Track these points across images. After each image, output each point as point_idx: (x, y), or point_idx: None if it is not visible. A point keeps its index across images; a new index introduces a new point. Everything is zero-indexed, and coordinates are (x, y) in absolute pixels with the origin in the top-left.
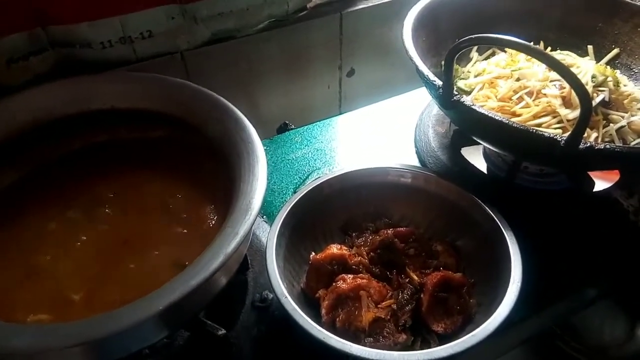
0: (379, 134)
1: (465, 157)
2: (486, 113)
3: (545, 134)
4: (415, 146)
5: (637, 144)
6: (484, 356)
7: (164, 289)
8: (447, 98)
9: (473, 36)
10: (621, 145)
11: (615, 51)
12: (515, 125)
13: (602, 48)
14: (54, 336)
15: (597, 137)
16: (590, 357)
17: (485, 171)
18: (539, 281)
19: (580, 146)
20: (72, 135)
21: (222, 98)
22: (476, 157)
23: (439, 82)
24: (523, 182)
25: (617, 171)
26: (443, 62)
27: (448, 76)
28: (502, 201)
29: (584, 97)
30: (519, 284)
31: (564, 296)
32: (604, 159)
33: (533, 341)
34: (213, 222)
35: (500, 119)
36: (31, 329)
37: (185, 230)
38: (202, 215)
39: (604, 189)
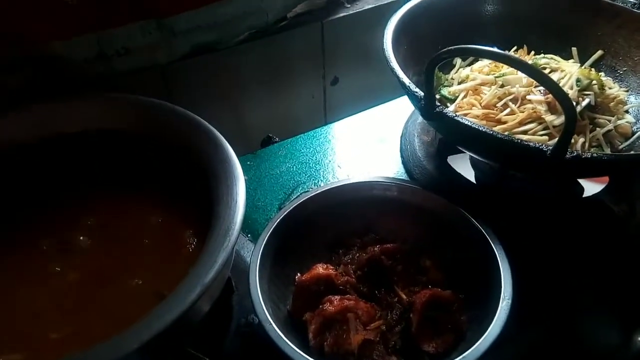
0: (364, 145)
1: (452, 165)
2: (470, 124)
3: (531, 144)
4: (402, 156)
5: (625, 147)
6: None
7: (140, 324)
8: (430, 109)
9: (452, 48)
10: (608, 152)
11: (600, 53)
12: (500, 135)
13: (586, 50)
14: None
15: (584, 142)
16: None
17: (473, 179)
18: (530, 293)
19: (567, 156)
20: (43, 162)
21: (199, 118)
22: (464, 165)
23: (420, 93)
24: (512, 188)
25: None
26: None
27: (429, 88)
28: (490, 209)
29: (568, 107)
30: (510, 301)
31: (558, 307)
32: (591, 167)
33: None
34: (193, 246)
35: (484, 130)
36: None
37: (164, 257)
38: (182, 239)
39: (593, 195)
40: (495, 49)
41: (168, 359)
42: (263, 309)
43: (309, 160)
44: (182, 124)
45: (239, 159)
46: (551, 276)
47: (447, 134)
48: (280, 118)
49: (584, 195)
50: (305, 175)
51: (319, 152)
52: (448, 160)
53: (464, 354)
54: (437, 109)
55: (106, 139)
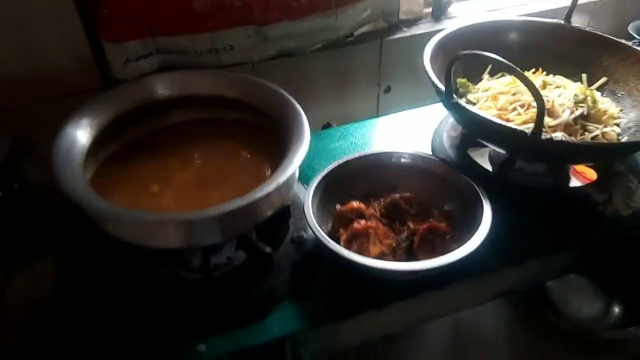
0: (403, 135)
1: (472, 156)
2: (475, 111)
3: (517, 127)
4: (431, 146)
5: None
6: (471, 298)
7: (229, 202)
8: (448, 100)
9: (464, 52)
10: (573, 138)
11: (604, 79)
12: (494, 120)
13: (593, 76)
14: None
15: None
16: (570, 326)
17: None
18: (514, 242)
19: (542, 137)
20: (171, 113)
21: (284, 91)
22: (483, 160)
23: (442, 87)
24: (518, 180)
25: (593, 172)
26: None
27: (448, 82)
28: (495, 190)
29: (539, 98)
30: (488, 228)
31: (535, 256)
32: (563, 150)
33: (520, 310)
34: (269, 173)
35: (485, 116)
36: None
37: (249, 178)
38: (262, 170)
39: (580, 186)
40: (496, 56)
41: (245, 247)
42: (314, 223)
43: (357, 141)
44: (272, 95)
45: None
46: (534, 236)
47: (461, 120)
48: (340, 114)
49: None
50: (354, 151)
51: (366, 136)
52: (468, 151)
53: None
54: (453, 100)
55: (217, 102)
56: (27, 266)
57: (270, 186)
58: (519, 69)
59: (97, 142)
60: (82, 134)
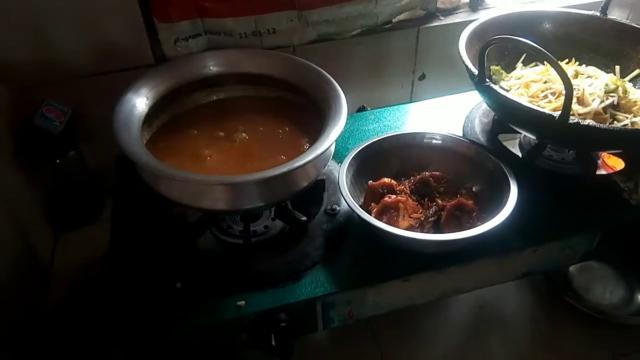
0: (436, 119)
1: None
2: (504, 94)
3: (544, 111)
4: (463, 130)
5: None
6: (494, 275)
7: (272, 169)
8: (481, 82)
9: (497, 37)
10: (601, 124)
11: (637, 71)
12: (522, 104)
13: (627, 69)
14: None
15: None
16: (592, 311)
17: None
18: (538, 224)
19: (570, 121)
20: (217, 89)
21: (323, 70)
22: (513, 147)
23: (475, 71)
24: (547, 166)
25: (622, 162)
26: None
27: (481, 65)
28: (523, 174)
29: (566, 81)
30: (513, 206)
31: (557, 238)
32: (589, 134)
33: (542, 293)
34: (307, 147)
35: (513, 99)
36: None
37: (289, 151)
38: (300, 144)
39: (607, 174)
40: (528, 41)
41: (282, 215)
42: (347, 193)
43: (391, 124)
44: (312, 74)
45: None
46: (558, 220)
47: (492, 104)
48: (374, 98)
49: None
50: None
51: (399, 119)
52: (498, 137)
53: (468, 230)
54: (486, 83)
55: (260, 80)
56: (75, 231)
57: (307, 157)
58: (551, 56)
59: (153, 112)
60: (140, 102)
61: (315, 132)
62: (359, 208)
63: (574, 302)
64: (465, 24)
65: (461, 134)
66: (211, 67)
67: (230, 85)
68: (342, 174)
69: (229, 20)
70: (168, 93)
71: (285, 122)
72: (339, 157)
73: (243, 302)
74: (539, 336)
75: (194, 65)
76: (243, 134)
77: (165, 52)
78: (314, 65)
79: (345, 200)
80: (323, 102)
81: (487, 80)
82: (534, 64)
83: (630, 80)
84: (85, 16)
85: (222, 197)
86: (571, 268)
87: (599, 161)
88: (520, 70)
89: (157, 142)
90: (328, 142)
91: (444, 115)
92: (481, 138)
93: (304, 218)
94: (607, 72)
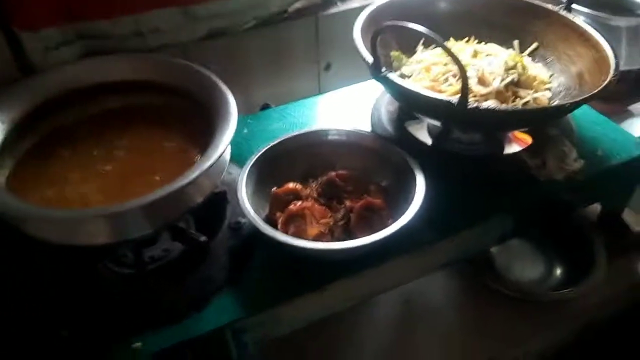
0: (344, 112)
1: (411, 131)
2: (400, 83)
3: (443, 97)
4: (371, 121)
5: None
6: (411, 272)
7: (157, 191)
8: (377, 72)
9: (388, 23)
10: (499, 105)
11: (535, 45)
12: (422, 92)
13: (525, 43)
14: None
15: None
16: (514, 291)
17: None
18: (449, 213)
19: (469, 106)
20: (93, 102)
21: (209, 72)
22: (421, 132)
23: (370, 59)
24: (455, 149)
25: (530, 137)
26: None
27: (374, 54)
28: (431, 161)
29: (460, 65)
30: (421, 200)
31: (469, 226)
32: (490, 117)
33: (466, 279)
34: (198, 158)
35: (409, 88)
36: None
37: (178, 165)
38: (191, 156)
39: (514, 152)
40: (419, 26)
41: (178, 237)
42: (248, 209)
43: (297, 121)
44: (197, 77)
45: (240, 118)
46: (468, 204)
47: (392, 93)
48: (279, 94)
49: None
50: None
51: (306, 115)
52: (407, 125)
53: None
54: (382, 74)
55: (140, 87)
56: None
57: (195, 172)
58: (442, 38)
59: (12, 138)
60: None
61: (205, 140)
62: (261, 223)
63: (495, 284)
64: (364, 9)
65: (369, 125)
66: (79, 78)
67: (106, 96)
68: (241, 184)
69: (104, 23)
70: (29, 114)
71: (172, 132)
72: (243, 162)
73: (139, 344)
74: (466, 321)
75: (57, 79)
76: (124, 151)
77: (36, 64)
78: (195, 65)
79: (245, 214)
80: (210, 106)
81: (384, 69)
82: (434, 45)
83: (529, 55)
84: None
85: (100, 230)
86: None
87: (510, 136)
88: (420, 53)
89: (23, 173)
90: (217, 152)
91: (352, 107)
92: (388, 128)
93: (204, 238)
94: (507, 48)
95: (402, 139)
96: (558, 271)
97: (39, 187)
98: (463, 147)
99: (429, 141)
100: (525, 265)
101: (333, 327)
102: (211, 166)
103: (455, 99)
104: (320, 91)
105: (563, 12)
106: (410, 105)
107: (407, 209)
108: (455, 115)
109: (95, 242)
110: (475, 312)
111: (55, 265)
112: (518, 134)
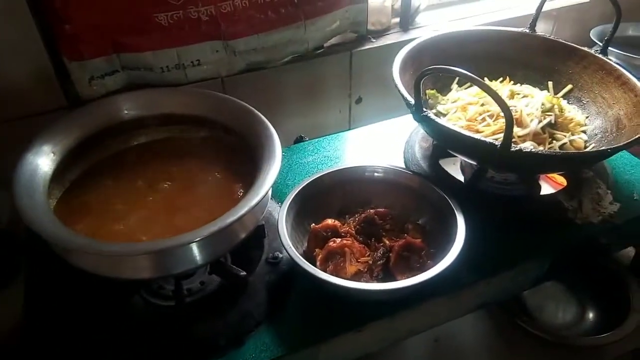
0: (376, 147)
1: (444, 167)
2: (443, 124)
3: (486, 139)
4: (404, 157)
5: None
6: (448, 313)
7: (200, 229)
8: (418, 112)
9: (431, 67)
10: (541, 149)
11: (569, 87)
12: (463, 133)
13: (559, 84)
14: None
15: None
16: (546, 334)
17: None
18: (488, 254)
19: (512, 149)
20: (140, 133)
21: (253, 108)
22: (454, 169)
23: (412, 100)
24: (489, 188)
25: (564, 179)
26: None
27: (417, 95)
28: (467, 200)
29: (505, 109)
30: (462, 242)
31: (508, 267)
32: (532, 160)
33: (497, 319)
34: (240, 194)
35: (453, 129)
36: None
37: (222, 199)
38: (234, 190)
39: (551, 193)
40: (461, 70)
41: (218, 271)
42: (288, 244)
43: (331, 154)
44: (241, 113)
45: None
46: (507, 247)
47: (432, 133)
48: (312, 126)
49: (541, 194)
50: (327, 165)
51: (339, 149)
52: (440, 162)
53: (419, 275)
54: (423, 113)
55: (186, 121)
56: None
57: (242, 209)
58: (482, 80)
59: (61, 168)
60: (44, 161)
61: (249, 175)
62: (302, 259)
63: (527, 325)
64: (397, 44)
65: (402, 161)
66: (126, 111)
67: (152, 128)
68: (281, 219)
69: (147, 54)
70: (78, 145)
71: (215, 165)
72: (277, 193)
73: None
74: None
75: (105, 111)
76: (168, 184)
77: (80, 92)
78: (242, 102)
79: (287, 252)
80: (255, 141)
81: (425, 109)
82: (468, 84)
83: (563, 97)
84: None
85: (145, 266)
86: None
87: (543, 176)
88: (455, 92)
89: (70, 202)
90: (263, 189)
91: (384, 142)
92: (422, 164)
93: (243, 273)
94: (541, 89)
95: (436, 176)
96: (591, 315)
97: (85, 217)
98: (496, 186)
99: (461, 178)
100: (557, 307)
101: None
102: (258, 203)
103: (496, 140)
104: (350, 123)
105: (599, 55)
106: (450, 145)
107: (447, 249)
108: (497, 157)
109: (137, 276)
110: (506, 352)
111: (91, 295)
112: (551, 175)
